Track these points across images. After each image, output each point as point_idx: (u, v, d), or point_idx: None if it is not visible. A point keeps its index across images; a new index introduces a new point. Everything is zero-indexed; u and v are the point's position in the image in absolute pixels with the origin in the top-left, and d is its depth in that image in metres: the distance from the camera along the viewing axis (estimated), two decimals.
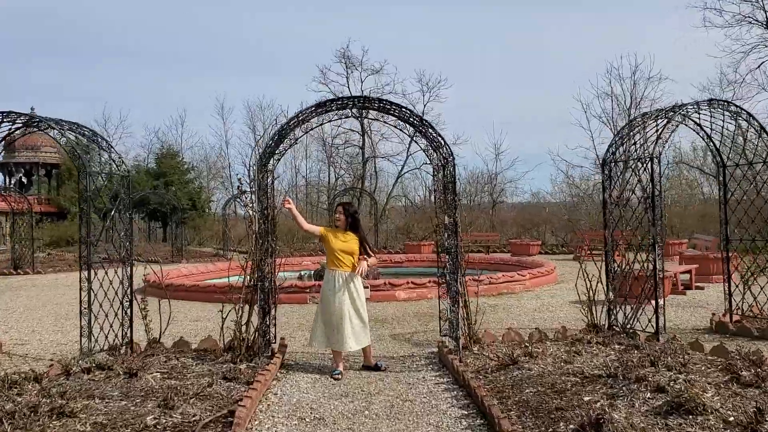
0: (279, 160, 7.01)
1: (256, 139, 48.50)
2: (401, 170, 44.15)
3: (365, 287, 12.33)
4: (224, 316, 6.65)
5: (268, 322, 6.70)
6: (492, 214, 36.39)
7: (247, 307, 6.67)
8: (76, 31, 76.25)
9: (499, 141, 64.80)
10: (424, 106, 43.05)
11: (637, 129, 7.44)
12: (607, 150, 7.75)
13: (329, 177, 46.83)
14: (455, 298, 6.62)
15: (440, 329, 7.30)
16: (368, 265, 6.52)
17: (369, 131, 42.80)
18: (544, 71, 69.77)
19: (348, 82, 42.89)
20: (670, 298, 11.41)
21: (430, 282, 12.62)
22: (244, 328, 6.59)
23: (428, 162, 7.12)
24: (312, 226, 6.74)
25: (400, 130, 7.07)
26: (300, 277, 18.97)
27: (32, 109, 44.61)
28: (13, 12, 67.86)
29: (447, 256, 6.78)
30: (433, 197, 46.99)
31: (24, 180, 41.79)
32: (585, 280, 7.68)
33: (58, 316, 11.15)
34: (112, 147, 7.37)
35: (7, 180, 41.12)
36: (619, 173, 7.50)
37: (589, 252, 22.68)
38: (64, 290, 15.58)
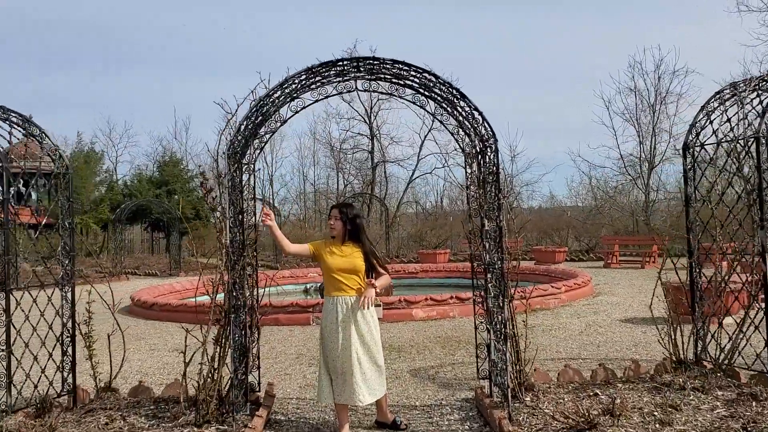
0: (260, 149, 5.28)
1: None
2: (412, 175, 42.37)
3: (377, 305, 10.63)
4: (186, 360, 4.91)
5: (246, 368, 4.95)
6: (509, 220, 34.54)
7: (217, 348, 4.93)
8: (77, 36, 74.98)
9: (514, 142, 62.53)
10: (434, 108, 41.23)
11: (729, 102, 5.67)
12: (689, 130, 5.97)
13: (338, 183, 45.19)
14: (501, 332, 4.86)
15: (477, 369, 5.53)
16: (378, 290, 4.74)
17: (378, 135, 41.11)
18: (557, 71, 67.78)
19: (356, 83, 41.18)
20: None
21: (452, 298, 10.86)
22: (215, 375, 4.85)
23: (459, 149, 5.38)
24: (298, 245, 4.98)
25: (420, 106, 5.32)
26: (306, 291, 17.25)
27: (30, 116, 43.38)
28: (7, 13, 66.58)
29: (488, 275, 5.02)
30: (450, 197, 45.19)
31: (23, 190, 40.34)
32: (667, 297, 5.87)
33: None
34: (46, 136, 5.69)
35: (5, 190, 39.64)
36: (709, 159, 5.71)
37: (619, 260, 20.88)
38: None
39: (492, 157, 4.88)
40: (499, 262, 4.90)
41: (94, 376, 5.58)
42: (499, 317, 4.89)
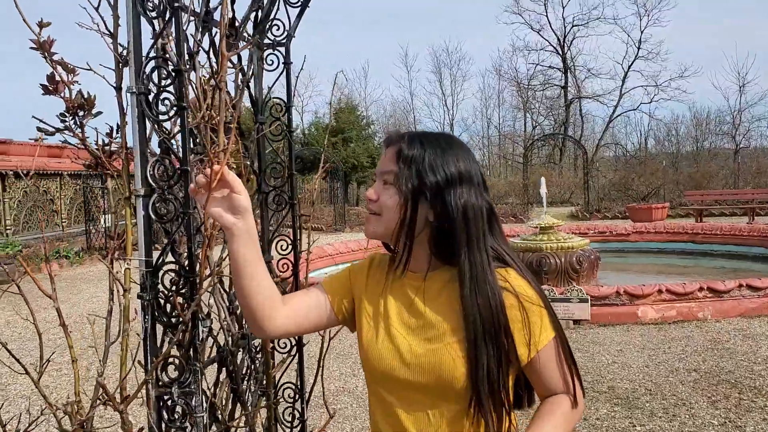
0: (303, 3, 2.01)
1: (442, 88, 43.70)
2: (613, 112, 36.88)
3: (583, 299, 6.99)
4: None
5: None
6: (736, 163, 28.32)
7: None
8: None
9: (744, 68, 52.82)
10: (641, 32, 35.21)
11: None
12: None
13: (525, 125, 40.84)
14: None
15: None
16: None
17: (573, 67, 36.02)
18: None
19: (546, 8, 36.23)
20: None
21: (701, 290, 6.98)
22: None
23: None
24: (292, 303, 1.42)
25: None
26: None
27: None
28: None
29: None
30: (657, 137, 38.92)
31: None
32: None
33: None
34: None
35: None
36: None
37: None
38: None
39: None
40: None
41: None
42: None
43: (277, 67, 2.06)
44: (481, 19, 63.25)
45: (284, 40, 2.06)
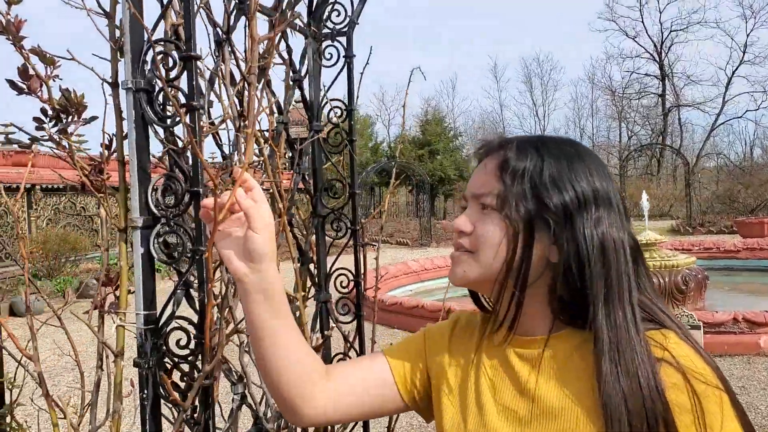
0: None
1: (533, 98, 42.66)
2: (715, 121, 34.77)
3: (695, 325, 6.27)
4: None
5: None
6: None
7: None
8: None
9: None
10: (747, 35, 33.13)
11: None
12: None
13: (620, 135, 39.15)
14: None
15: None
16: None
17: (671, 74, 34.27)
18: None
19: (642, 14, 34.63)
20: None
21: None
22: None
23: None
24: (342, 376, 1.06)
25: None
26: None
27: None
28: None
29: None
30: (764, 146, 36.36)
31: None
32: None
33: None
34: None
35: None
36: None
37: None
38: None
39: None
40: None
41: None
42: None
43: (337, 61, 1.67)
44: (572, 28, 61.68)
45: (345, 29, 1.67)
